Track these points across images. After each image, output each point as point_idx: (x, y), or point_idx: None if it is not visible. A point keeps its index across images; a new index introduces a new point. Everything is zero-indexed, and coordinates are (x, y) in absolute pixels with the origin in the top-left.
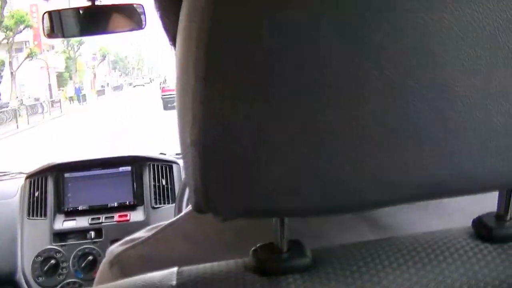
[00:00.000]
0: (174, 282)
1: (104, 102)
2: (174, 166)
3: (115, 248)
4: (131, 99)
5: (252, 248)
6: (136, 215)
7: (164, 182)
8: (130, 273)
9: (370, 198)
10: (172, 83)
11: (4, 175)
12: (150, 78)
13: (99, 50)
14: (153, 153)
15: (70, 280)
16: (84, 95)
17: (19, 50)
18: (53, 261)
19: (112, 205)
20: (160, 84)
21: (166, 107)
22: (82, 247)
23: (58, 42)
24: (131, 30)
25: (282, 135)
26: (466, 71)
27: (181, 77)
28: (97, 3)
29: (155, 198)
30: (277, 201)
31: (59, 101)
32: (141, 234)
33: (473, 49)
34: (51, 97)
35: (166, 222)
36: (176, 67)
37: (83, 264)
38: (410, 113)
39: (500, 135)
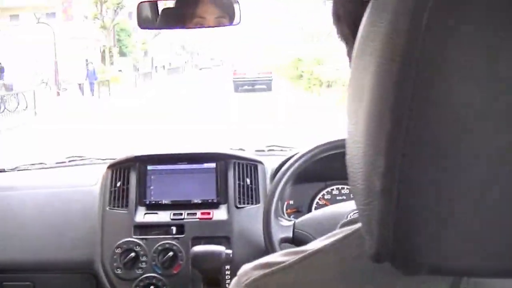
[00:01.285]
0: None
1: (139, 92)
2: (259, 165)
3: (250, 271)
4: (188, 87)
5: None
6: (219, 214)
7: (248, 182)
8: None
9: None
10: (240, 67)
11: (82, 159)
12: (221, 60)
13: None
14: (229, 145)
15: (148, 274)
16: (108, 81)
17: (52, 15)
18: (132, 254)
19: (196, 201)
20: (233, 67)
21: (236, 90)
22: (163, 242)
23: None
24: (228, 25)
25: (468, 198)
26: None
27: (369, 112)
28: None
29: (239, 198)
30: (461, 260)
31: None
32: (277, 258)
33: None
34: (56, 82)
35: (307, 249)
36: (352, 94)
37: (163, 260)
38: None
39: None
